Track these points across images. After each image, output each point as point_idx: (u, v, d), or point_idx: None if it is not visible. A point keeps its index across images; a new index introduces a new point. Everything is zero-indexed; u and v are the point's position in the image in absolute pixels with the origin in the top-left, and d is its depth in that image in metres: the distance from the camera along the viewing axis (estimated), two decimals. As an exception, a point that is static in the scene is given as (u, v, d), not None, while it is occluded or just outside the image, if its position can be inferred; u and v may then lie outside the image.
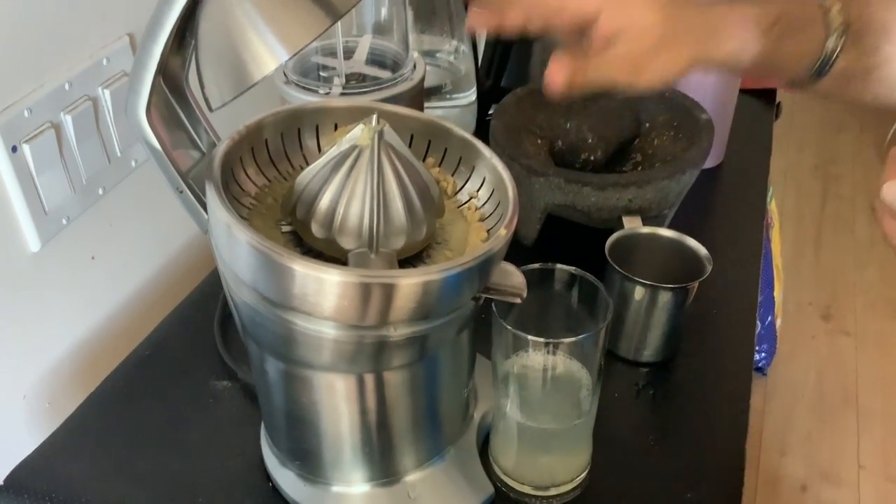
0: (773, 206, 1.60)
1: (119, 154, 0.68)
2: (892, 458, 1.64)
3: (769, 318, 1.67)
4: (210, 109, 0.43)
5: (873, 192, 0.49)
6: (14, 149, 0.58)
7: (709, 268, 0.63)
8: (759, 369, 1.77)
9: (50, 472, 0.58)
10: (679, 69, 0.48)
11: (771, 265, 1.60)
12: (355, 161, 0.44)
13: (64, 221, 0.64)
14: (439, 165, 0.53)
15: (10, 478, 0.57)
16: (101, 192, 0.68)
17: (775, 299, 1.66)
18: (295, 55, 0.42)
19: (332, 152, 0.45)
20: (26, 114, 0.59)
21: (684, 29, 0.48)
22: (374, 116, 0.45)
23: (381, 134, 0.44)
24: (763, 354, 1.74)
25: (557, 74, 0.46)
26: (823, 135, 2.69)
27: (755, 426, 1.65)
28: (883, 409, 1.74)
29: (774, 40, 0.49)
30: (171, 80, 0.48)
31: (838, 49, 0.50)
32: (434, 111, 0.87)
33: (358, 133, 0.45)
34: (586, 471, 0.57)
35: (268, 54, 0.40)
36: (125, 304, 0.75)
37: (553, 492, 0.56)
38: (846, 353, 1.88)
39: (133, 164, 0.70)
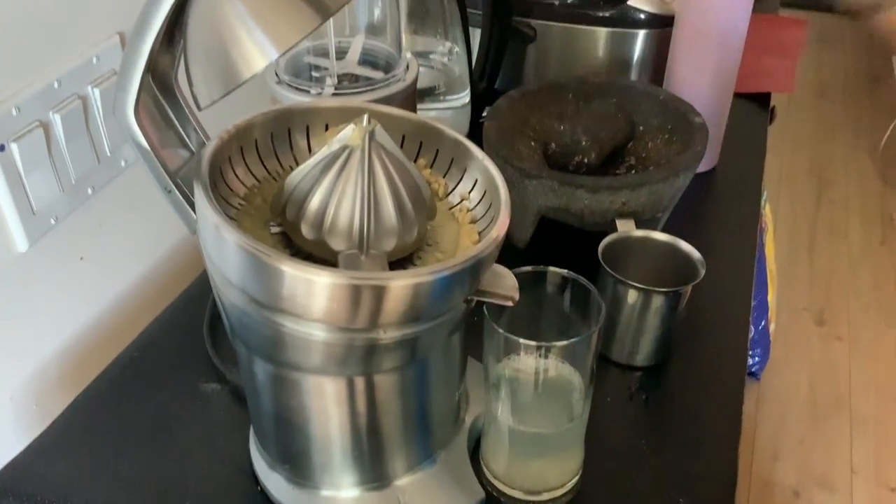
0: (767, 211, 1.60)
1: (108, 154, 0.68)
2: (884, 463, 1.64)
3: (763, 323, 1.67)
4: (198, 108, 0.43)
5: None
6: (2, 147, 0.58)
7: (702, 272, 0.62)
8: (752, 374, 1.77)
9: (36, 474, 0.57)
10: None
11: (765, 269, 1.60)
12: (346, 161, 0.44)
13: (52, 221, 0.64)
14: (431, 167, 0.53)
15: (-4, 480, 0.57)
16: (90, 191, 0.67)
17: (769, 303, 1.66)
18: (284, 53, 0.41)
19: (322, 152, 0.45)
20: (14, 112, 0.58)
21: None
22: (366, 117, 0.44)
23: (371, 134, 0.44)
24: (756, 359, 1.74)
25: None
26: (817, 139, 2.70)
27: (748, 431, 1.65)
28: (876, 414, 1.75)
29: None
30: (160, 78, 0.47)
31: None
32: (427, 113, 0.87)
33: (349, 133, 0.44)
34: (578, 475, 0.56)
35: (257, 52, 0.39)
36: (114, 305, 0.74)
37: (545, 496, 0.55)
38: (839, 358, 1.88)
39: (123, 163, 0.70)
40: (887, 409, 1.76)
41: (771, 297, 1.67)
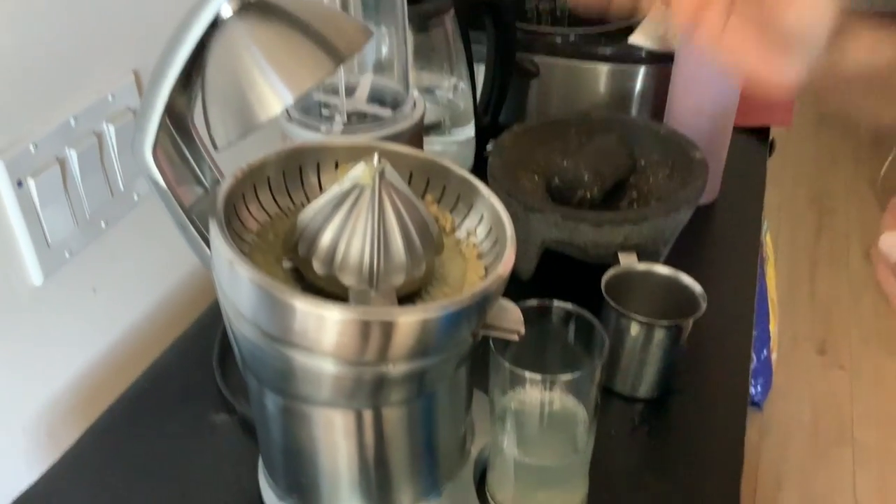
0: (767, 240, 1.61)
1: (122, 188, 0.69)
2: (888, 493, 1.64)
3: (765, 352, 1.67)
4: (215, 149, 0.44)
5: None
6: (20, 183, 0.59)
7: (703, 305, 0.63)
8: (755, 403, 1.77)
9: (47, 505, 0.58)
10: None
11: (766, 299, 1.61)
12: (357, 199, 0.45)
13: (67, 254, 0.65)
14: (438, 202, 0.54)
15: (8, 511, 0.57)
16: (103, 225, 0.68)
17: (771, 333, 1.67)
18: (300, 98, 0.43)
19: (333, 190, 0.46)
20: (32, 149, 0.60)
21: None
22: (376, 156, 0.46)
23: (382, 173, 0.45)
24: (759, 388, 1.74)
25: None
26: (817, 168, 2.71)
27: (751, 460, 1.65)
28: (878, 443, 1.74)
29: None
30: (176, 118, 0.49)
31: None
32: (433, 146, 0.88)
33: (359, 172, 0.46)
34: (582, 507, 0.57)
35: (273, 97, 0.41)
36: (125, 337, 0.75)
37: (549, 528, 0.56)
38: (841, 388, 1.88)
39: (135, 197, 0.71)
40: (890, 438, 1.75)
41: (772, 327, 1.67)
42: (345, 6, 0.68)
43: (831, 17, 0.46)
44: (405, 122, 0.68)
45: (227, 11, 0.42)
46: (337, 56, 0.41)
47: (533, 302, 0.54)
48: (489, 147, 0.93)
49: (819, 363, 1.95)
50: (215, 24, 0.42)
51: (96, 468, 0.61)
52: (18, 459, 0.66)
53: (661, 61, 0.93)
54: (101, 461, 0.62)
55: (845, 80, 0.49)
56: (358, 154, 0.51)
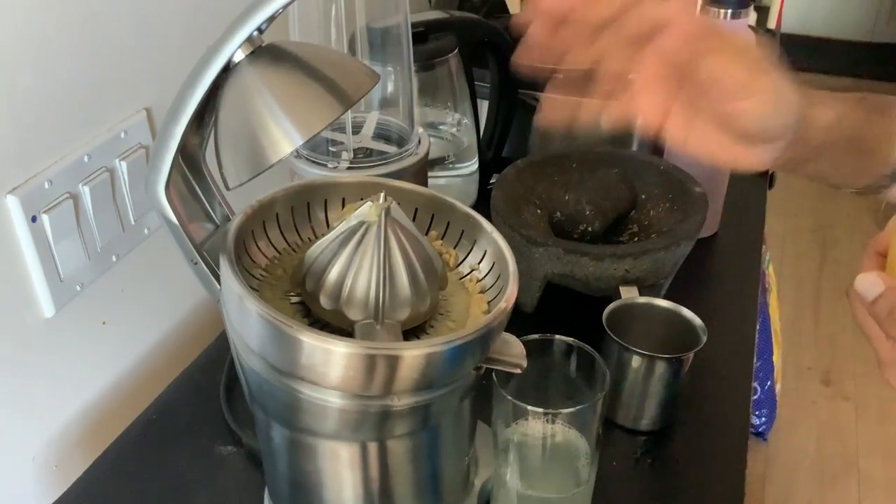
0: (770, 271, 1.62)
1: (133, 222, 0.71)
2: (895, 525, 1.63)
3: (769, 383, 1.67)
4: (227, 189, 0.45)
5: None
6: (34, 219, 0.61)
7: (703, 338, 0.64)
8: (759, 434, 1.77)
9: (56, 536, 0.59)
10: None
11: (769, 330, 1.61)
12: (363, 236, 0.47)
13: (78, 288, 0.66)
14: (442, 238, 0.56)
15: (17, 541, 0.58)
16: (114, 258, 0.70)
17: (774, 364, 1.67)
18: (309, 140, 0.44)
19: (340, 227, 0.48)
20: (46, 185, 0.61)
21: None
22: (382, 194, 0.47)
23: (387, 211, 0.46)
24: (763, 419, 1.74)
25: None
26: (820, 199, 2.73)
27: (756, 492, 1.64)
28: (884, 475, 1.73)
29: (865, 113, 0.51)
30: (189, 157, 0.50)
31: None
32: (437, 180, 0.90)
33: (366, 210, 0.47)
34: (585, 539, 0.58)
35: (284, 139, 0.42)
36: (134, 368, 0.76)
37: (552, 560, 0.56)
38: (846, 419, 1.88)
39: (146, 231, 0.73)
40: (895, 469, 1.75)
41: (776, 358, 1.67)
42: (352, 47, 0.70)
43: (787, 107, 0.48)
44: (410, 159, 0.69)
45: (239, 56, 0.44)
46: (345, 99, 0.43)
47: (535, 336, 0.55)
48: (493, 181, 0.94)
49: (824, 394, 1.95)
50: (228, 68, 0.44)
51: (104, 499, 0.62)
52: (27, 490, 0.66)
53: (662, 97, 0.94)
54: (109, 492, 0.62)
55: (816, 149, 0.51)
56: (364, 191, 0.53)
